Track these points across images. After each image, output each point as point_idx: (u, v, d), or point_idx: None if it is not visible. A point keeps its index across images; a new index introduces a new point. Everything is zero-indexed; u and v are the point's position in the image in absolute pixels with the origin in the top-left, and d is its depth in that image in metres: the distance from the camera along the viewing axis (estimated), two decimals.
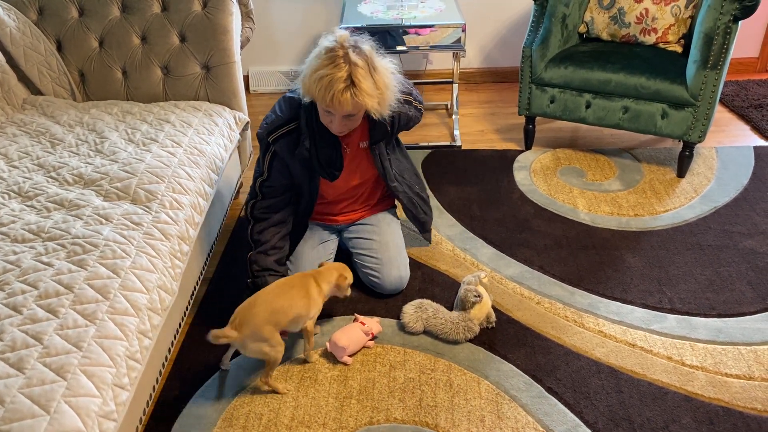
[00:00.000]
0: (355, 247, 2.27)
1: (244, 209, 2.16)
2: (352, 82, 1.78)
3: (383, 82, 1.85)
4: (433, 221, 2.63)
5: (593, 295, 2.22)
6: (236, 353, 2.00)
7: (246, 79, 3.90)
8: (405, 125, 2.13)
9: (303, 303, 1.88)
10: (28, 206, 1.88)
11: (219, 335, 1.76)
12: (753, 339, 2.02)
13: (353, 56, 1.79)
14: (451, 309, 2.13)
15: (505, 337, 2.06)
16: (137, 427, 1.65)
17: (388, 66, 1.90)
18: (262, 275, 2.08)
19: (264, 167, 2.07)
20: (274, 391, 1.88)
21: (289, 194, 2.14)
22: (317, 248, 2.23)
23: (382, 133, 2.05)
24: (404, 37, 3.05)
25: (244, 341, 1.80)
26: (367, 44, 1.86)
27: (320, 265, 2.02)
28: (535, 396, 1.85)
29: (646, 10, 2.89)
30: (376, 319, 2.07)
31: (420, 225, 2.33)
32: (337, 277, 1.96)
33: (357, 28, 3.00)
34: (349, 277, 2.00)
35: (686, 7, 2.85)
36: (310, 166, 2.05)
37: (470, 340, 2.05)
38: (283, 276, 2.05)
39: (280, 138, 2.01)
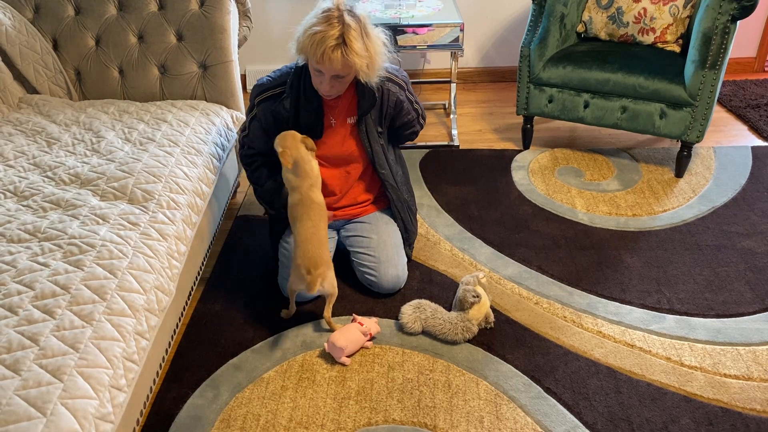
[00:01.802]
0: (353, 246, 2.26)
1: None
2: (343, 41, 1.85)
3: (374, 48, 1.92)
4: (431, 221, 2.63)
5: (592, 296, 2.22)
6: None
7: (243, 78, 3.89)
8: (397, 115, 2.14)
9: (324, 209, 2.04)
10: (24, 206, 1.87)
11: (312, 285, 1.95)
12: (752, 339, 2.02)
13: (347, 18, 1.87)
14: (449, 309, 2.13)
15: (504, 338, 2.05)
16: (134, 428, 1.64)
17: (379, 35, 1.97)
18: (276, 199, 2.17)
19: (247, 123, 2.17)
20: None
21: (266, 156, 2.20)
22: None
23: (368, 103, 2.08)
24: (402, 36, 3.04)
25: (325, 277, 1.98)
26: (361, 12, 1.94)
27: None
28: (533, 396, 1.85)
29: (645, 9, 2.89)
30: (374, 319, 2.07)
31: (404, 233, 2.32)
32: (300, 146, 2.02)
33: None
34: (294, 138, 2.04)
35: (684, 6, 2.85)
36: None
37: (469, 341, 2.04)
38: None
39: (264, 101, 2.09)
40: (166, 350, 1.89)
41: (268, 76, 2.14)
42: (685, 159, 2.85)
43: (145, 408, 1.73)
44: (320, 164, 2.16)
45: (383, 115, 2.14)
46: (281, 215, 2.16)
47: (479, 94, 3.83)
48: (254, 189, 2.26)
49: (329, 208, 2.26)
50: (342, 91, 2.02)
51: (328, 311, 2.04)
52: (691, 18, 2.88)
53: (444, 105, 3.70)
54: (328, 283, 1.99)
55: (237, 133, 2.26)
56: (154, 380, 1.80)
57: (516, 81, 3.10)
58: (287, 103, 2.05)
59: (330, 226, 2.30)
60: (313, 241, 1.98)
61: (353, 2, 3.30)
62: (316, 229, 1.99)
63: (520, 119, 3.42)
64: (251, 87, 3.89)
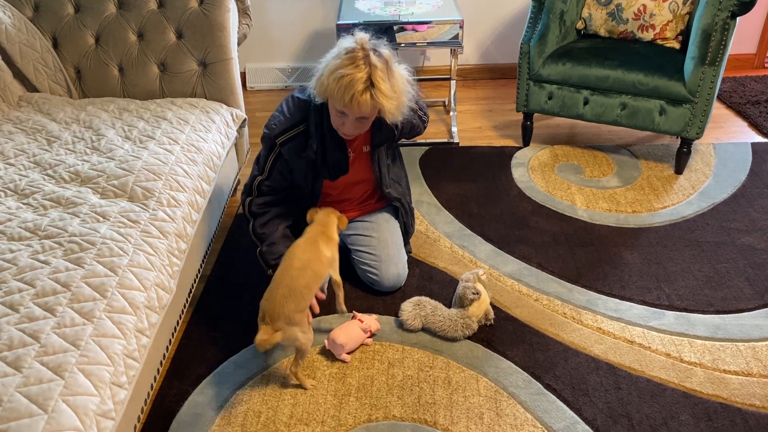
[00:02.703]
0: (354, 244, 2.26)
1: (242, 206, 2.15)
2: (371, 83, 1.79)
3: (399, 87, 1.87)
4: (431, 219, 2.63)
5: (591, 292, 2.22)
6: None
7: (243, 76, 3.89)
8: (408, 133, 2.13)
9: (322, 269, 1.88)
10: (24, 204, 1.87)
11: (263, 342, 1.76)
12: (751, 335, 2.02)
13: (373, 58, 1.79)
14: (449, 306, 2.13)
15: (504, 335, 2.06)
16: (135, 425, 1.65)
17: (403, 73, 1.92)
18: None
19: (265, 167, 2.07)
20: (300, 386, 1.88)
21: (286, 193, 2.14)
22: None
23: (386, 136, 2.06)
24: (402, 34, 3.04)
25: (282, 331, 1.78)
26: (385, 49, 1.86)
27: (309, 219, 2.00)
28: (533, 393, 1.85)
29: (644, 6, 2.89)
30: (374, 316, 2.07)
31: (405, 235, 2.33)
32: (338, 224, 1.99)
33: (354, 25, 2.99)
34: (343, 215, 2.03)
35: (684, 3, 2.85)
36: (315, 168, 2.05)
37: (469, 338, 2.05)
38: None
39: (289, 141, 2.01)
40: (167, 347, 1.90)
41: (281, 112, 2.03)
42: (685, 155, 2.85)
43: (146, 405, 1.73)
44: (331, 188, 2.15)
45: (396, 139, 2.13)
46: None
47: (479, 91, 3.83)
48: (257, 245, 2.10)
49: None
50: (364, 131, 1.99)
51: (294, 366, 1.86)
52: (691, 14, 2.88)
53: (444, 102, 3.70)
54: (285, 338, 1.78)
55: (249, 184, 2.11)
56: (155, 377, 1.80)
57: (516, 78, 3.10)
58: (314, 145, 1.99)
59: None
60: (282, 286, 1.79)
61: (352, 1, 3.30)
62: (291, 277, 1.80)
63: (520, 116, 3.42)
64: (250, 84, 3.91)
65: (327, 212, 2.00)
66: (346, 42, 1.85)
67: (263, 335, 1.76)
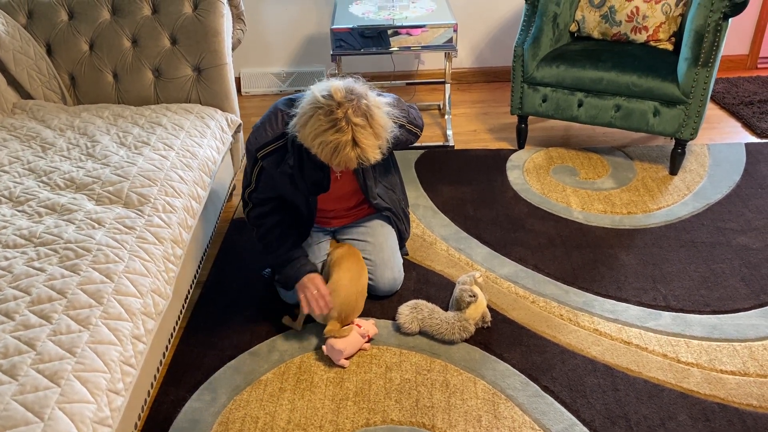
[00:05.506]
0: None
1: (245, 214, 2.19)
2: (355, 143, 1.77)
3: (380, 126, 1.83)
4: (427, 222, 2.63)
5: (588, 294, 2.22)
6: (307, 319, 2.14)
7: (237, 81, 3.89)
8: (397, 147, 2.12)
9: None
10: (19, 211, 1.86)
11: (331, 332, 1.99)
12: (747, 335, 2.03)
13: (353, 117, 1.75)
14: (446, 309, 2.13)
15: (501, 337, 2.06)
16: None
17: (381, 105, 1.87)
18: (283, 268, 2.10)
19: (252, 178, 2.08)
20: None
21: (278, 202, 2.14)
22: (312, 249, 2.22)
23: None
24: (396, 38, 3.05)
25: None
26: (360, 88, 1.82)
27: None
28: (531, 395, 1.85)
29: (637, 8, 2.90)
30: (371, 320, 2.07)
31: (400, 240, 2.32)
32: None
33: (349, 29, 3.00)
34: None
35: (676, 5, 2.86)
36: (294, 182, 2.03)
37: (466, 340, 2.05)
38: (302, 259, 2.11)
39: (268, 155, 2.00)
40: (164, 353, 1.89)
41: (264, 125, 2.00)
42: (680, 156, 2.86)
43: (143, 412, 1.73)
44: (320, 200, 2.14)
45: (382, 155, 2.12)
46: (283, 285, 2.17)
47: (473, 95, 3.84)
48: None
49: (325, 218, 2.27)
50: None
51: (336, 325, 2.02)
52: (684, 16, 2.89)
53: (438, 106, 3.70)
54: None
55: (242, 195, 2.15)
56: (152, 384, 1.80)
57: (510, 81, 3.10)
58: (291, 160, 1.97)
59: (325, 231, 2.30)
60: (355, 288, 2.06)
61: (348, 3, 3.31)
62: (363, 283, 2.11)
63: (515, 119, 3.42)
64: (245, 89, 3.91)
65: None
66: (321, 92, 1.79)
67: (333, 327, 2.00)
